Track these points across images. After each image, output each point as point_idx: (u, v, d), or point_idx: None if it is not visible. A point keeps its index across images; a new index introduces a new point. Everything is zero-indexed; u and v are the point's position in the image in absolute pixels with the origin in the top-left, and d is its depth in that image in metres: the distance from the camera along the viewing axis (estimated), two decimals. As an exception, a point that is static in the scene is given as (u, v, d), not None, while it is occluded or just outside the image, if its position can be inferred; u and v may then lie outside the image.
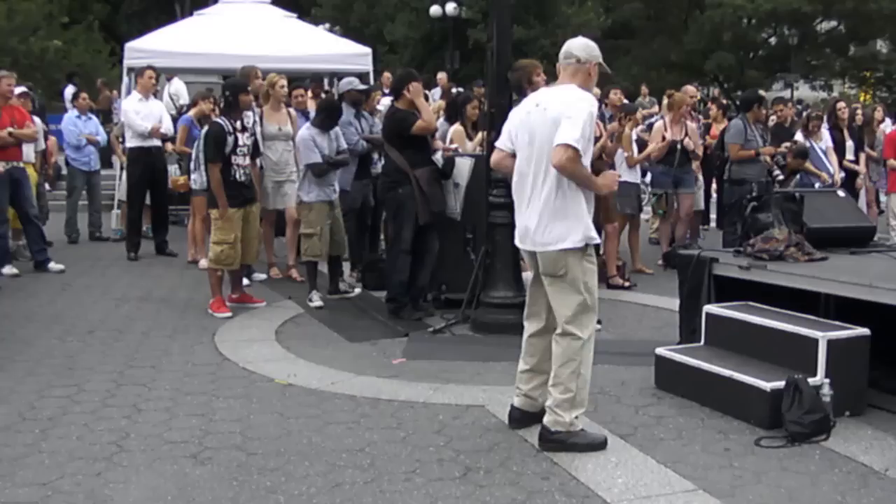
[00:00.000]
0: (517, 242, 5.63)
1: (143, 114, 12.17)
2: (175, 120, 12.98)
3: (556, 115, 5.28)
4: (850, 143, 13.52)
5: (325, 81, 15.42)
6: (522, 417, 5.70)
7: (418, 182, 8.49)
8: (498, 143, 5.79)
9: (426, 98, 12.83)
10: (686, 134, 11.77)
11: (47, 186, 14.02)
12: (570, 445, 5.36)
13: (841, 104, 13.86)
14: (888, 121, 16.17)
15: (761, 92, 14.09)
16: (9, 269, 10.73)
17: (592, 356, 5.47)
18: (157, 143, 12.26)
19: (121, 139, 13.48)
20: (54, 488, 4.84)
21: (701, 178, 13.01)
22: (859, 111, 14.63)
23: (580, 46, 5.53)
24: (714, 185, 14.94)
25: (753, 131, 11.24)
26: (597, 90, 10.11)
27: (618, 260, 10.86)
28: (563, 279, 5.35)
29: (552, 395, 5.43)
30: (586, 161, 5.32)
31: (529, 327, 5.72)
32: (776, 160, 11.37)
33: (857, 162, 13.60)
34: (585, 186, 5.31)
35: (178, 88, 16.69)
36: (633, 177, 11.31)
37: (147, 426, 5.81)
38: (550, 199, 5.32)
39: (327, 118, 9.44)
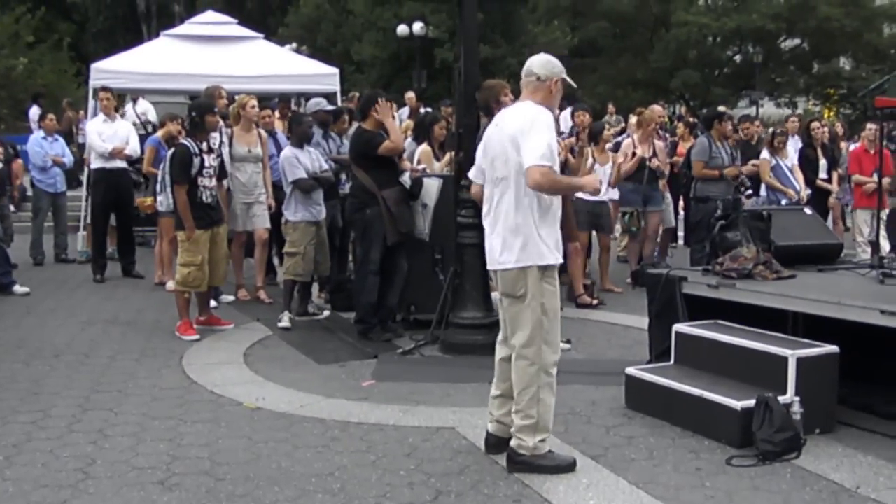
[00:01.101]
0: (488, 264, 5.61)
1: (106, 135, 12.11)
2: (145, 139, 12.92)
3: (511, 132, 5.27)
4: (823, 162, 13.56)
5: (293, 101, 15.38)
6: (498, 443, 5.62)
7: (386, 203, 8.46)
8: (471, 175, 5.79)
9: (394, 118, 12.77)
10: (654, 152, 11.82)
11: (12, 208, 13.89)
12: (537, 468, 5.32)
13: (815, 124, 13.92)
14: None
15: (722, 108, 14.13)
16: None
17: (554, 381, 5.41)
18: (121, 164, 12.18)
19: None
20: (19, 517, 4.77)
21: (669, 196, 13.03)
22: (825, 129, 14.71)
23: (540, 63, 5.50)
24: (682, 203, 15.01)
25: (719, 148, 11.29)
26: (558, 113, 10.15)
27: (586, 279, 10.87)
28: (522, 300, 5.32)
29: (514, 421, 5.40)
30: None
31: (500, 350, 5.65)
32: (741, 180, 11.39)
33: (829, 181, 13.66)
34: (571, 192, 5.32)
35: (145, 108, 16.61)
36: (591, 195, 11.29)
37: (114, 452, 5.73)
38: (510, 217, 5.28)
39: (298, 128, 9.55)
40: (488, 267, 5.57)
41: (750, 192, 11.73)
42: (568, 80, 5.57)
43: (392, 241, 8.54)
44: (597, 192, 5.64)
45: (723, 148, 11.34)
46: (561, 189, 5.27)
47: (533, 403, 5.31)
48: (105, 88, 12.67)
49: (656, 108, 14.19)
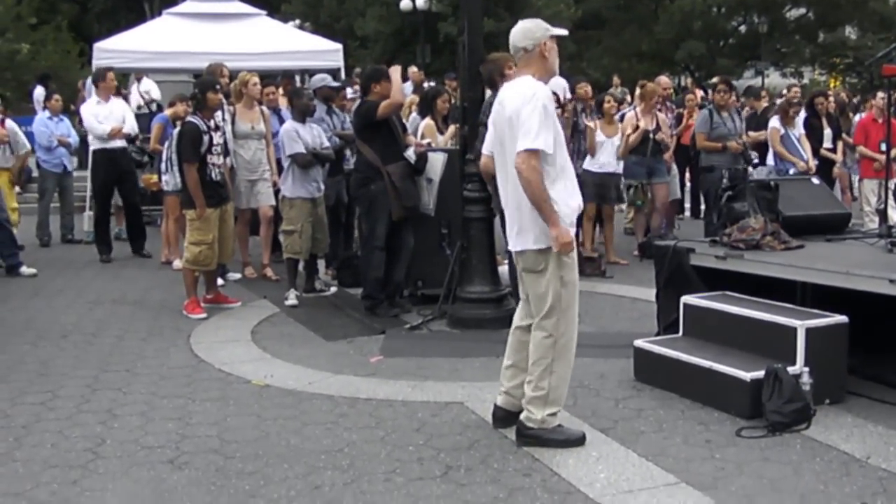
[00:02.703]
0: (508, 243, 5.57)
1: (101, 115, 12.06)
2: (150, 117, 12.90)
3: (510, 113, 5.23)
4: (828, 132, 13.51)
5: (297, 78, 15.33)
6: (506, 416, 5.62)
7: (391, 178, 8.42)
8: (484, 150, 5.74)
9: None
10: (657, 124, 11.79)
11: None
12: (545, 441, 5.32)
13: (819, 99, 13.84)
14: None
15: (716, 79, 14.10)
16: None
17: (572, 355, 5.42)
18: (120, 143, 12.17)
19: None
20: (29, 498, 4.77)
21: (675, 167, 13.00)
22: (832, 99, 14.63)
23: (522, 35, 5.36)
24: (688, 175, 14.98)
25: (721, 118, 11.27)
26: (561, 81, 10.08)
27: (593, 251, 10.87)
28: (542, 274, 5.30)
29: (526, 392, 5.40)
30: (562, 153, 5.29)
31: (518, 320, 5.64)
32: (746, 154, 11.34)
33: (834, 150, 13.61)
34: (537, 206, 5.15)
35: (149, 87, 16.58)
36: (599, 167, 11.28)
37: (123, 432, 5.74)
38: (523, 199, 5.23)
39: (298, 102, 9.52)
40: (508, 247, 5.54)
41: (756, 161, 11.68)
42: (556, 32, 5.44)
43: (397, 216, 8.51)
44: (568, 246, 5.37)
45: (728, 118, 11.31)
46: (534, 189, 5.06)
47: (545, 375, 5.30)
48: (111, 69, 12.64)
49: (663, 80, 14.18)
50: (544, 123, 5.10)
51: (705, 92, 16.90)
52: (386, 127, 8.51)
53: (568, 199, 5.28)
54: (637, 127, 11.58)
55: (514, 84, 5.40)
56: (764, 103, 14.82)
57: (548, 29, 5.40)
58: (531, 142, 5.06)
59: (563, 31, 5.57)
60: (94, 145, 12.19)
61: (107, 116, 12.10)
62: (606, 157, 11.28)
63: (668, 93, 14.78)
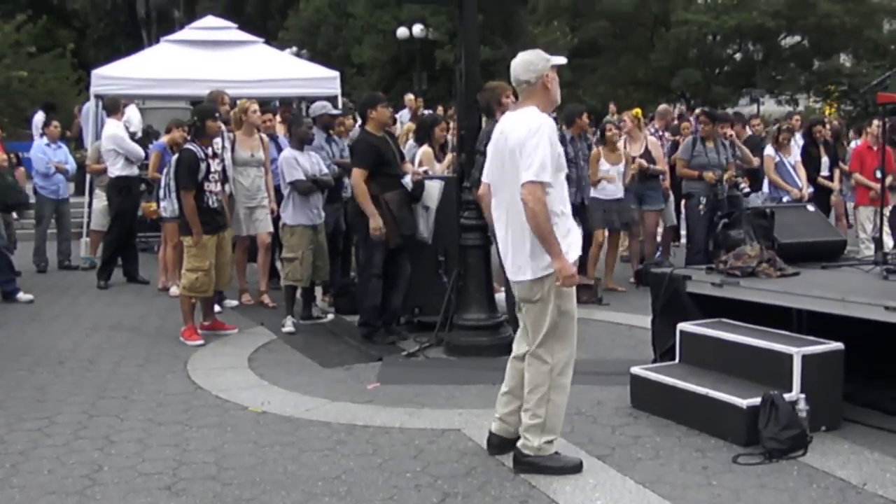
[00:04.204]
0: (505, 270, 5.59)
1: (126, 140, 12.21)
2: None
3: (513, 145, 5.25)
4: (825, 160, 13.56)
5: (294, 105, 15.38)
6: (501, 443, 5.64)
7: (388, 205, 8.45)
8: (483, 178, 5.75)
9: (395, 121, 12.87)
10: (647, 150, 11.91)
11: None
12: (542, 468, 5.32)
13: (818, 127, 13.90)
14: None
15: (699, 109, 14.24)
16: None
17: (569, 382, 5.43)
18: (136, 171, 12.27)
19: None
20: (26, 524, 4.77)
21: (672, 194, 13.05)
22: (828, 126, 14.69)
23: (523, 68, 5.37)
24: (684, 202, 15.02)
25: (703, 148, 11.35)
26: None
27: (590, 278, 10.89)
28: (539, 303, 5.32)
29: (522, 420, 5.40)
30: (562, 181, 5.31)
31: (516, 348, 5.65)
32: (728, 181, 11.34)
33: (831, 178, 13.65)
34: (542, 238, 5.16)
35: (130, 116, 16.55)
36: (604, 194, 11.34)
37: (120, 458, 5.73)
38: (522, 228, 5.25)
39: (297, 130, 9.58)
40: (507, 275, 5.55)
41: (747, 190, 11.71)
42: (556, 61, 5.46)
43: (394, 244, 8.53)
44: (570, 280, 5.37)
45: (713, 148, 11.36)
46: (538, 224, 5.08)
47: (542, 403, 5.31)
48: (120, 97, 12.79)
49: (664, 108, 14.36)
50: (550, 155, 5.13)
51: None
52: (383, 156, 8.54)
53: (572, 234, 5.32)
54: (633, 158, 11.70)
55: (518, 115, 5.40)
56: (748, 131, 14.86)
57: (548, 59, 5.43)
58: (536, 173, 5.08)
59: (563, 60, 5.58)
60: (121, 172, 12.09)
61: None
62: (613, 184, 11.33)
63: (670, 119, 14.84)
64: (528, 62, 5.39)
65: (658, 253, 12.57)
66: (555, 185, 5.20)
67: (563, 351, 5.36)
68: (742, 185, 11.60)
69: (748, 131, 14.81)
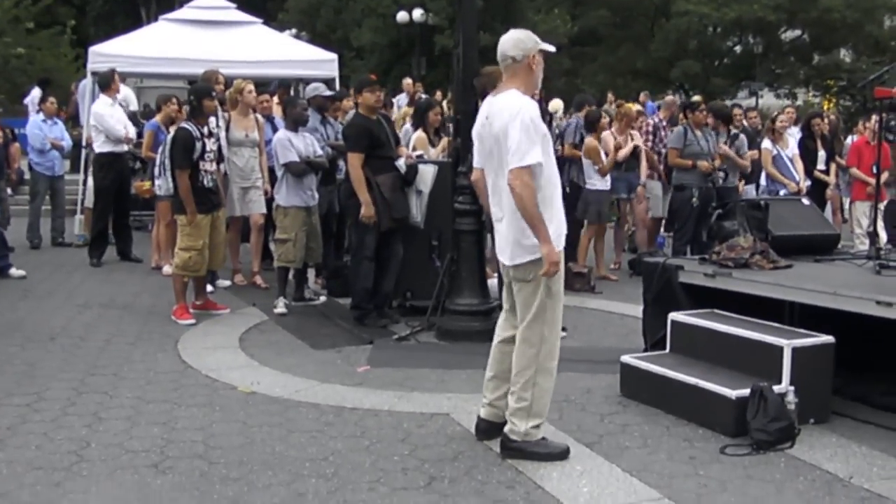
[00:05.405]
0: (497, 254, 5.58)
1: (115, 117, 12.16)
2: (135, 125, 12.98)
3: (497, 130, 5.25)
4: (822, 153, 13.53)
5: (292, 87, 15.34)
6: (489, 428, 5.64)
7: (380, 188, 8.43)
8: (475, 163, 5.74)
9: (392, 105, 12.84)
10: (633, 141, 11.99)
11: (9, 191, 13.85)
12: (529, 454, 5.33)
13: (816, 120, 13.87)
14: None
15: (696, 98, 14.23)
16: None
17: (555, 366, 5.43)
18: (125, 148, 12.26)
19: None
20: (12, 499, 4.76)
21: (660, 185, 13.01)
22: (826, 121, 14.66)
23: (512, 43, 5.36)
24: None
25: (696, 136, 11.31)
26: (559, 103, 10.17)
27: (583, 266, 10.90)
28: (531, 283, 5.31)
29: (509, 403, 5.41)
30: (550, 162, 5.30)
31: (500, 332, 5.65)
32: (716, 174, 11.35)
33: (827, 172, 13.63)
34: (530, 223, 5.15)
35: (126, 95, 16.50)
36: (603, 184, 11.36)
37: (108, 435, 5.73)
38: (513, 212, 5.24)
39: (292, 111, 9.57)
40: (499, 257, 5.55)
41: (721, 182, 11.57)
42: (545, 47, 5.46)
43: (386, 227, 8.52)
44: (556, 266, 5.36)
45: (702, 136, 11.35)
46: (526, 209, 5.08)
47: (528, 386, 5.31)
48: (113, 70, 12.70)
49: (671, 99, 14.41)
50: (533, 139, 5.12)
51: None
52: (376, 139, 8.52)
53: (559, 219, 5.31)
54: (619, 147, 11.70)
55: (499, 99, 5.38)
56: (754, 119, 14.83)
57: (538, 42, 5.42)
58: (522, 159, 5.07)
59: (552, 48, 5.56)
60: (102, 148, 12.17)
61: (118, 119, 12.17)
62: (601, 176, 11.35)
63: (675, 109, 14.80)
64: (518, 39, 5.38)
65: (660, 240, 12.66)
66: (543, 166, 5.19)
67: (549, 333, 5.36)
68: (720, 177, 11.54)
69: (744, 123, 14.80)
